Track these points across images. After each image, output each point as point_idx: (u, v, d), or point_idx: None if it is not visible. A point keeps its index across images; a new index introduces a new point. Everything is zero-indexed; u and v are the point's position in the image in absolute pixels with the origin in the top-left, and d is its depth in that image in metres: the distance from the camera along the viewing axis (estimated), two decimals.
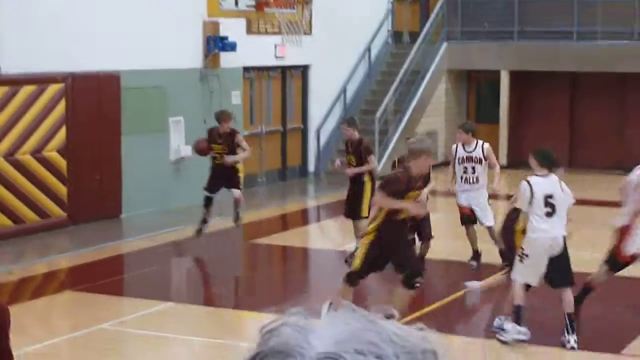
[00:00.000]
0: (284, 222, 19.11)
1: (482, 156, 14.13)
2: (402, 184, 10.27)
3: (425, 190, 12.03)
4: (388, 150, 23.66)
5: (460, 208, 14.20)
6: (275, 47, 21.92)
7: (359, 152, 14.37)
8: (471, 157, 14.16)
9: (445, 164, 25.58)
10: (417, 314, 11.54)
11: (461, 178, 14.17)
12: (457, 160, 14.26)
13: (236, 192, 15.88)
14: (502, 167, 25.19)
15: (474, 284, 12.90)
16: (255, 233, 17.51)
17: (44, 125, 16.80)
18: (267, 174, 22.49)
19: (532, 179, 10.45)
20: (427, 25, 25.90)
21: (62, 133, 17.05)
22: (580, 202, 20.37)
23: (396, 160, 13.54)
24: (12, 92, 16.22)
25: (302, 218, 19.69)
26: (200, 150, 16.11)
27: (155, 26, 18.76)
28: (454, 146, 14.57)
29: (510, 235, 10.97)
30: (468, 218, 14.08)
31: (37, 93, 16.63)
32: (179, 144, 19.52)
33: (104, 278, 13.78)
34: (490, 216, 14.08)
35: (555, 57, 24.94)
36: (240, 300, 13.57)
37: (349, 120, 15.31)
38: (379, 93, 24.82)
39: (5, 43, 15.99)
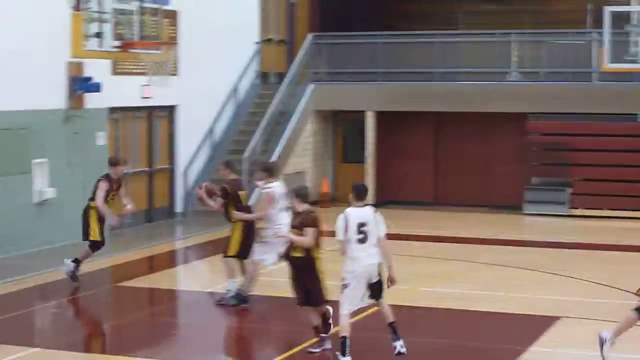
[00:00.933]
0: (152, 264, 18.88)
1: None
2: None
3: None
4: (256, 190, 23.65)
5: None
6: (142, 87, 21.77)
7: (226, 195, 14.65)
8: None
9: (314, 203, 25.79)
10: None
11: None
12: None
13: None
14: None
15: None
16: (122, 276, 17.24)
17: None
18: (133, 215, 22.19)
19: (348, 210, 11.69)
20: (294, 66, 26.09)
21: None
22: (443, 239, 20.86)
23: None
24: None
25: (170, 259, 19.48)
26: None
27: (18, 66, 18.43)
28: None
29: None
30: None
31: None
32: (43, 186, 19.19)
33: None
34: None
35: (419, 98, 25.39)
36: (107, 344, 13.32)
37: (227, 162, 15.44)
38: (247, 133, 24.85)
39: None
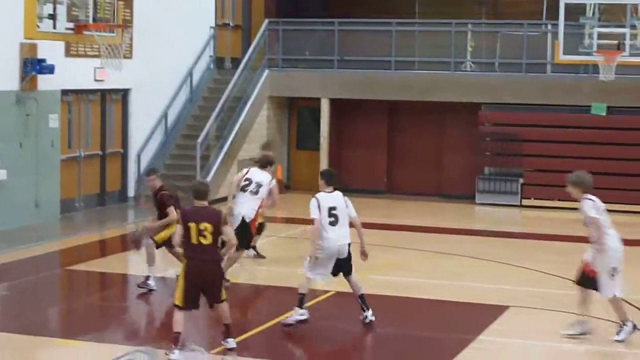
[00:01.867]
0: (103, 248, 18.79)
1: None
2: None
3: None
4: (210, 175, 23.59)
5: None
6: (95, 70, 21.60)
7: (157, 202, 14.56)
8: None
9: None
10: (239, 337, 11.54)
11: None
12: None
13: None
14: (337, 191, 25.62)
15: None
16: (73, 259, 17.13)
17: None
18: (85, 198, 22.08)
19: (319, 195, 12.44)
20: (249, 51, 26.02)
21: None
22: (395, 227, 20.95)
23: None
24: None
25: (122, 244, 19.39)
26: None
27: None
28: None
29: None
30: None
31: None
32: None
33: None
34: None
35: (374, 86, 25.44)
36: (56, 328, 13.23)
37: (150, 169, 15.27)
38: (201, 118, 24.77)
39: None
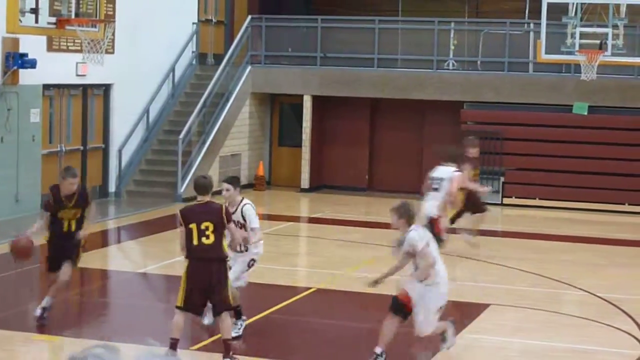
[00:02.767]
0: (83, 244, 18.70)
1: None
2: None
3: None
4: (192, 171, 23.58)
5: None
6: (77, 65, 21.55)
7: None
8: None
9: (249, 186, 25.81)
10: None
11: None
12: None
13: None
14: (304, 191, 25.75)
15: None
16: None
17: None
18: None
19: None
20: (232, 48, 26.01)
21: None
22: (376, 225, 20.98)
23: None
24: None
25: (102, 239, 19.36)
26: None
27: None
28: None
29: None
30: None
31: None
32: None
33: None
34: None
35: (356, 83, 25.46)
36: (35, 324, 13.19)
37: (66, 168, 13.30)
38: (183, 114, 24.75)
39: None
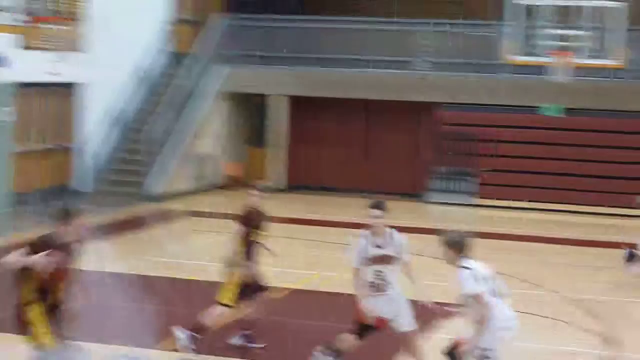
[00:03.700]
0: None
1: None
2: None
3: None
4: (161, 170, 23.50)
5: None
6: (49, 63, 21.41)
7: None
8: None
9: (222, 186, 25.71)
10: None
11: None
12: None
13: None
14: (280, 191, 25.69)
15: None
16: None
17: None
18: (37, 192, 21.88)
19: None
20: (204, 47, 25.92)
21: None
22: (338, 224, 20.96)
23: None
24: None
25: None
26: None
27: None
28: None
29: None
30: None
31: None
32: None
33: None
34: None
35: (331, 84, 25.43)
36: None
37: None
38: (154, 113, 24.62)
39: None
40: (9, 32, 20.06)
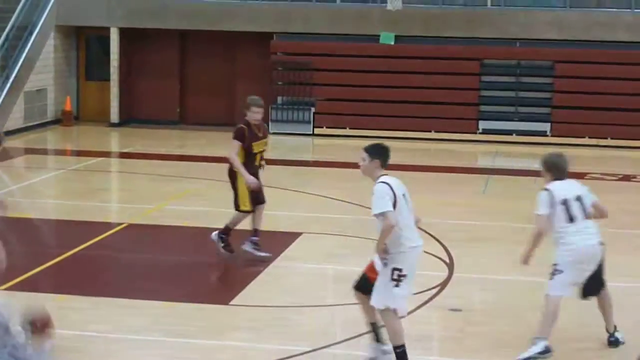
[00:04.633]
0: None
1: None
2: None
3: None
4: None
5: None
6: None
7: None
8: None
9: (56, 122, 25.21)
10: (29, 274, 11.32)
11: None
12: None
13: None
14: (112, 125, 25.34)
15: None
16: None
17: None
18: None
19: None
20: None
21: None
22: (189, 158, 20.92)
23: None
24: None
25: None
26: None
27: None
28: None
29: None
30: None
31: None
32: None
33: None
34: None
35: (164, 14, 25.08)
36: None
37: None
38: None
39: None
40: None
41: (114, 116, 25.58)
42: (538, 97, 24.51)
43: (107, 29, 25.37)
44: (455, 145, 23.50)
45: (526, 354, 8.97)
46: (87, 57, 26.79)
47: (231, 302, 10.76)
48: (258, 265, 12.17)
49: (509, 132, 24.09)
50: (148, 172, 18.83)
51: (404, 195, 8.84)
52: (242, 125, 12.42)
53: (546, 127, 24.13)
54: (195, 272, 12.17)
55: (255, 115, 12.55)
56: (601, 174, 19.68)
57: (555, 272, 9.01)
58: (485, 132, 24.24)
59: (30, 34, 24.49)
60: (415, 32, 24.44)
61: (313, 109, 24.70)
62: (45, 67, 25.05)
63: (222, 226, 12.44)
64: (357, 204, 15.83)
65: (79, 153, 21.17)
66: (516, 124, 24.18)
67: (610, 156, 22.27)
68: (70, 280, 11.73)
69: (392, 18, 23.75)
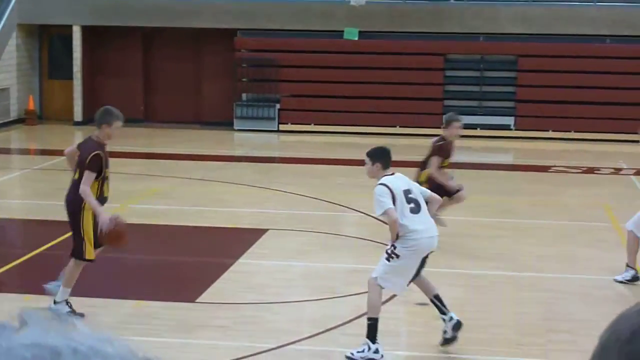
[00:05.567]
0: None
1: None
2: None
3: None
4: None
5: None
6: None
7: None
8: None
9: (19, 121, 25.03)
10: None
11: None
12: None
13: None
14: (77, 124, 25.22)
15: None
16: None
17: None
18: None
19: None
20: None
21: None
22: (155, 155, 20.85)
23: None
24: None
25: None
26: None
27: None
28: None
29: None
30: None
31: None
32: None
33: None
34: None
35: (126, 11, 24.97)
36: None
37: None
38: None
39: None
40: None
41: (78, 115, 25.46)
42: (502, 92, 24.66)
43: (70, 27, 25.24)
44: (421, 140, 23.53)
45: None
46: (50, 56, 26.65)
47: (198, 300, 10.75)
48: (224, 262, 12.16)
49: (473, 127, 24.18)
50: (113, 170, 18.70)
51: (406, 190, 9.19)
52: None
53: (510, 121, 24.28)
54: (162, 270, 12.16)
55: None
56: (565, 167, 19.83)
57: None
58: None
59: None
60: (379, 28, 24.49)
61: (278, 106, 24.70)
62: (7, 66, 24.89)
63: (188, 224, 12.39)
64: (323, 200, 15.86)
65: (43, 152, 21.03)
66: (480, 118, 24.29)
67: (574, 149, 22.42)
68: (36, 280, 11.65)
69: (356, 13, 23.79)
